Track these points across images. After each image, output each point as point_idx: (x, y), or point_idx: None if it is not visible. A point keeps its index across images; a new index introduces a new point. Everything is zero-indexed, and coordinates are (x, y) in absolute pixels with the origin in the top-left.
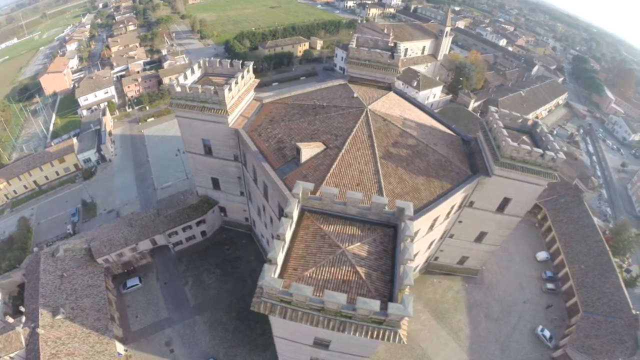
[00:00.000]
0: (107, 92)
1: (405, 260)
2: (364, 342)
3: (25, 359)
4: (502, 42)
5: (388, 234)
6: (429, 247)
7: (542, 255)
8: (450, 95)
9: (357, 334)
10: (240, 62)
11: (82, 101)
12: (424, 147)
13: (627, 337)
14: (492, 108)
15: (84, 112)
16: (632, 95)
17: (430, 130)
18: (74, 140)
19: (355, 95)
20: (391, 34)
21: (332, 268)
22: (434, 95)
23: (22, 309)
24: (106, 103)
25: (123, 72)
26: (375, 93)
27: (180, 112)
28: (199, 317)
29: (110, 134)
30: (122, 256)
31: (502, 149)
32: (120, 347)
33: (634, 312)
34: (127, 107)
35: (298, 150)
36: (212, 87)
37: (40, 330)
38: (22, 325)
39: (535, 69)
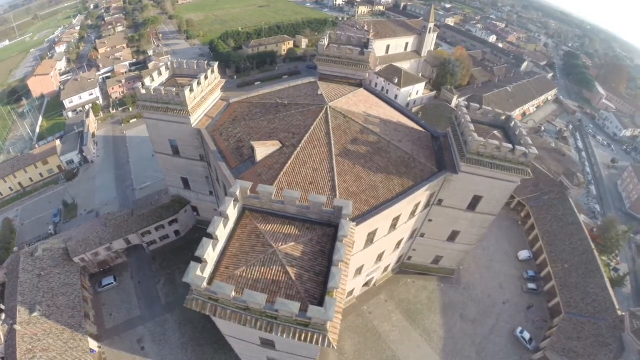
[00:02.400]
0: (91, 94)
1: (336, 262)
2: (303, 344)
3: (4, 355)
4: (492, 39)
5: (328, 233)
6: (397, 247)
7: (524, 254)
8: (435, 92)
9: (284, 336)
10: (206, 62)
11: (67, 103)
12: (385, 143)
13: (612, 340)
14: (462, 102)
15: (70, 114)
16: (623, 90)
17: (396, 127)
18: (57, 142)
19: (319, 92)
20: (371, 31)
21: (263, 268)
22: (417, 92)
23: (2, 306)
24: (90, 105)
25: (109, 74)
26: (344, 90)
27: (147, 113)
28: (170, 315)
29: (93, 135)
30: (97, 255)
31: (469, 144)
32: (94, 344)
33: (619, 313)
34: (111, 109)
35: (252, 149)
36: (174, 89)
37: (17, 327)
38: (1, 322)
39: (525, 65)
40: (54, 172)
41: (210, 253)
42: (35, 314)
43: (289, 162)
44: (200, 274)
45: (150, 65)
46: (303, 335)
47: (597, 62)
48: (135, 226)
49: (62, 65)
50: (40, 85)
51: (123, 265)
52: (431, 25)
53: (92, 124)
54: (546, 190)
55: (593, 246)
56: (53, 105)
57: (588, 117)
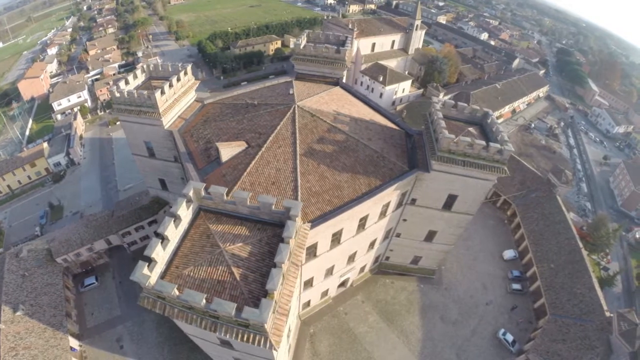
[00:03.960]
0: (80, 97)
1: (278, 263)
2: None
3: None
4: (484, 36)
5: (278, 234)
6: (370, 247)
7: (509, 253)
8: (422, 90)
9: (227, 336)
10: (180, 64)
11: (56, 106)
12: (354, 142)
13: (599, 342)
14: (434, 98)
15: (58, 117)
16: (617, 87)
17: (367, 125)
18: (45, 145)
19: (291, 92)
20: (355, 29)
21: (210, 268)
22: (403, 89)
23: None
24: (78, 107)
25: (98, 76)
26: (318, 89)
27: (122, 116)
28: (147, 315)
29: (81, 137)
30: (79, 256)
31: (439, 141)
32: (75, 343)
33: (607, 314)
34: (98, 111)
35: (218, 150)
36: (146, 91)
37: (1, 326)
38: None
39: (516, 62)
40: (42, 175)
41: (160, 252)
42: (18, 313)
43: (253, 163)
44: (147, 273)
45: (138, 66)
46: (245, 336)
47: (590, 59)
48: (116, 227)
49: (53, 67)
50: (31, 88)
51: (105, 265)
52: (418, 22)
53: (80, 126)
54: (533, 188)
55: (581, 245)
56: (43, 107)
57: (580, 114)
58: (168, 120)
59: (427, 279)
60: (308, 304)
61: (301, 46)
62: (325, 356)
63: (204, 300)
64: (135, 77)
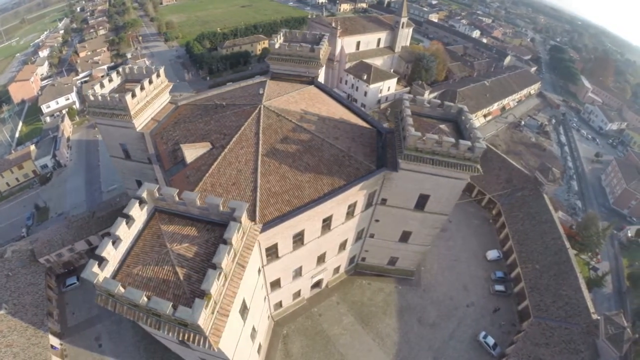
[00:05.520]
0: (68, 99)
1: (217, 264)
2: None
3: None
4: (476, 34)
5: None
6: (342, 248)
7: (493, 254)
8: (409, 88)
9: (170, 334)
10: (154, 66)
11: (44, 108)
12: (319, 141)
13: (584, 346)
14: (405, 95)
15: (48, 119)
16: (611, 84)
17: (336, 124)
18: (32, 147)
19: (261, 92)
20: (339, 28)
21: (156, 267)
22: (389, 88)
23: None
24: (66, 109)
25: (87, 78)
26: (290, 88)
27: (97, 119)
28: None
29: (68, 139)
30: (61, 256)
31: (406, 139)
32: (55, 341)
33: (594, 317)
34: (86, 113)
35: (182, 152)
36: (117, 95)
37: None
38: None
39: (508, 59)
40: (30, 177)
41: (111, 252)
42: (1, 312)
43: (215, 164)
44: (96, 271)
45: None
46: (185, 335)
47: (585, 56)
48: (95, 228)
49: (44, 70)
50: (21, 91)
51: (86, 265)
52: (404, 20)
53: (67, 128)
54: (519, 187)
55: (568, 245)
56: (33, 110)
57: (573, 111)
58: (140, 122)
59: (406, 280)
60: (280, 304)
61: (276, 46)
62: (298, 357)
63: (145, 298)
64: (110, 80)
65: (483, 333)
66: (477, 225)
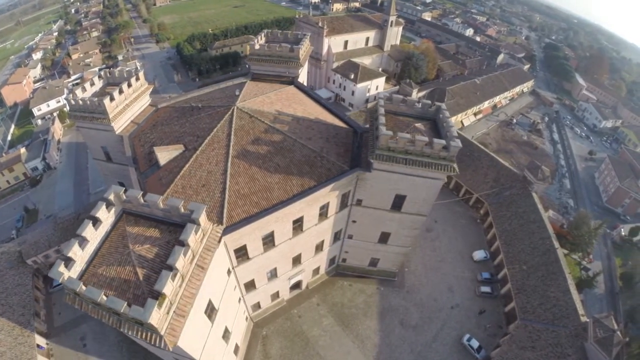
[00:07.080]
0: (59, 102)
1: (172, 265)
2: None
3: None
4: (469, 32)
5: None
6: (319, 249)
7: (479, 254)
8: (398, 87)
9: (130, 333)
10: (134, 69)
11: (36, 111)
12: (291, 142)
13: (572, 350)
14: (381, 94)
15: (39, 122)
16: (606, 81)
17: (310, 124)
18: (22, 150)
19: (237, 93)
20: (325, 27)
21: (119, 267)
22: (377, 87)
23: None
24: (57, 112)
25: (78, 81)
26: (268, 89)
27: (78, 122)
28: None
29: (59, 142)
30: (48, 257)
31: (378, 139)
32: (42, 341)
33: (583, 319)
34: (68, 117)
35: (155, 154)
36: (96, 98)
37: None
38: None
39: (500, 57)
40: (20, 179)
41: (78, 252)
42: None
43: (187, 166)
44: (62, 270)
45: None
46: (143, 334)
47: (580, 53)
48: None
49: (37, 72)
50: (14, 94)
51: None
52: (392, 18)
53: (58, 130)
54: (507, 186)
55: (557, 245)
56: (25, 113)
57: (567, 109)
58: (119, 125)
59: (388, 282)
60: (258, 305)
61: (255, 46)
62: (277, 359)
63: (104, 297)
64: (92, 84)
65: (467, 336)
66: (464, 225)
